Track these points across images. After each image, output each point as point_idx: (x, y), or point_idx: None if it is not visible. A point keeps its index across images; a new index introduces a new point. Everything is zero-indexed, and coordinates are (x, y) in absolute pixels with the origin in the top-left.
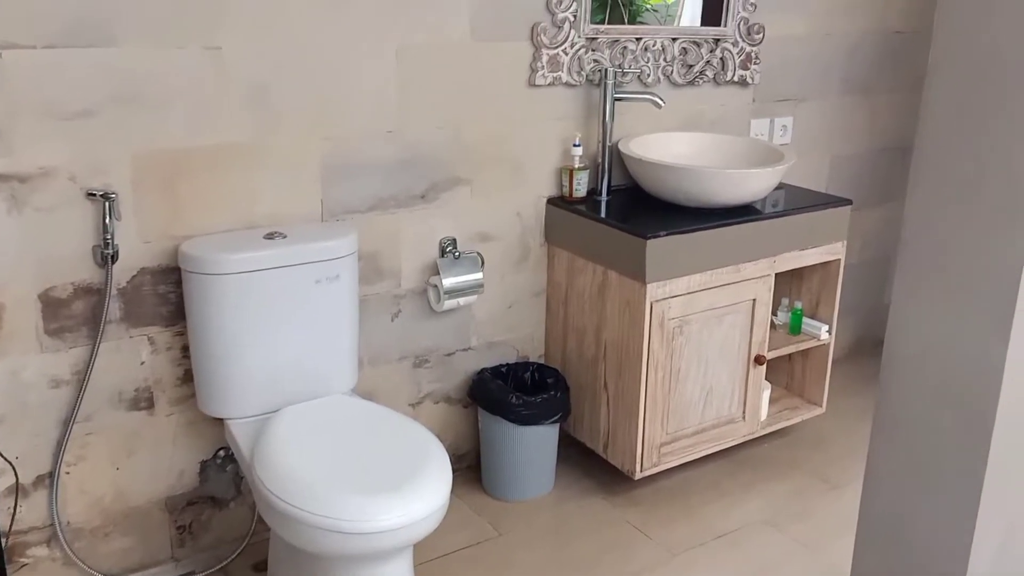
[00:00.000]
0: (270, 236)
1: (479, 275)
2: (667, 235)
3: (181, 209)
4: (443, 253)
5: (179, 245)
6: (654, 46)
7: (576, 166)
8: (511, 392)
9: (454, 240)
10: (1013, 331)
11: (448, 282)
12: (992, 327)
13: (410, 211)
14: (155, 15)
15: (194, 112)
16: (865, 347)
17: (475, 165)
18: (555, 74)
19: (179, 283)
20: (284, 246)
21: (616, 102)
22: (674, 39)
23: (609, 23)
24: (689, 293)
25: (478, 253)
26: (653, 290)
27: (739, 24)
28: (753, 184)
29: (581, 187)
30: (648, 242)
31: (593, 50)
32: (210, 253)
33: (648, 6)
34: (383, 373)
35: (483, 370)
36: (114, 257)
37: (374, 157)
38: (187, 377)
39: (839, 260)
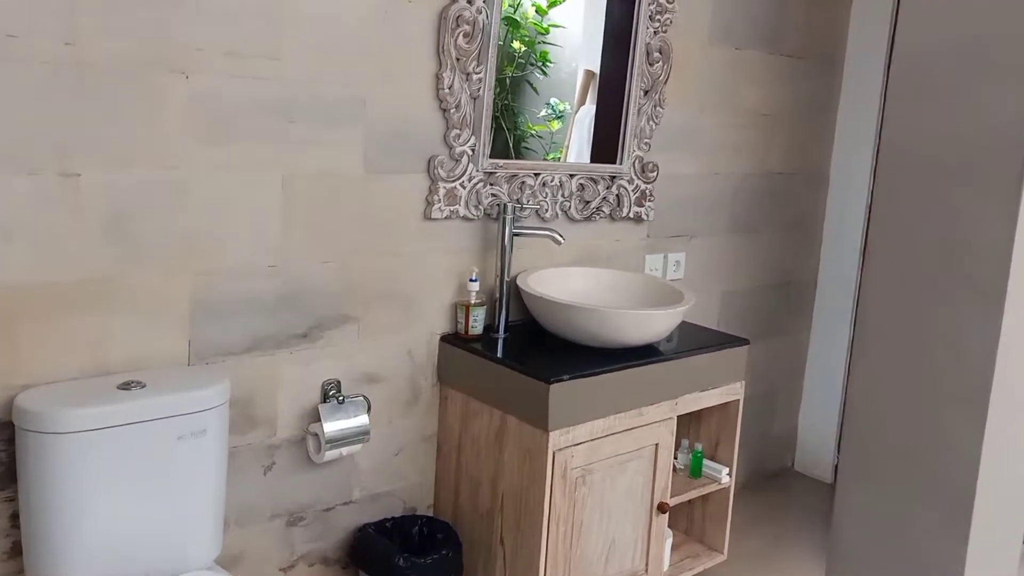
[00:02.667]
0: (125, 386)
1: (365, 421)
2: (571, 379)
3: (19, 354)
4: (325, 397)
5: (14, 397)
6: (552, 181)
7: (472, 302)
8: (397, 552)
9: (338, 383)
10: (973, 523)
11: (330, 430)
12: (948, 519)
13: (290, 352)
14: (4, 137)
15: (43, 244)
16: (756, 481)
17: (364, 301)
18: (452, 207)
19: (11, 441)
20: (141, 398)
21: (515, 237)
22: (572, 175)
23: (492, 147)
24: (592, 440)
25: (364, 397)
26: (556, 438)
27: (634, 162)
28: (657, 325)
29: (477, 324)
30: (551, 387)
31: (491, 184)
32: (50, 407)
33: (532, 132)
34: (252, 535)
35: (365, 526)
36: None
37: (252, 293)
38: (15, 551)
39: (738, 400)
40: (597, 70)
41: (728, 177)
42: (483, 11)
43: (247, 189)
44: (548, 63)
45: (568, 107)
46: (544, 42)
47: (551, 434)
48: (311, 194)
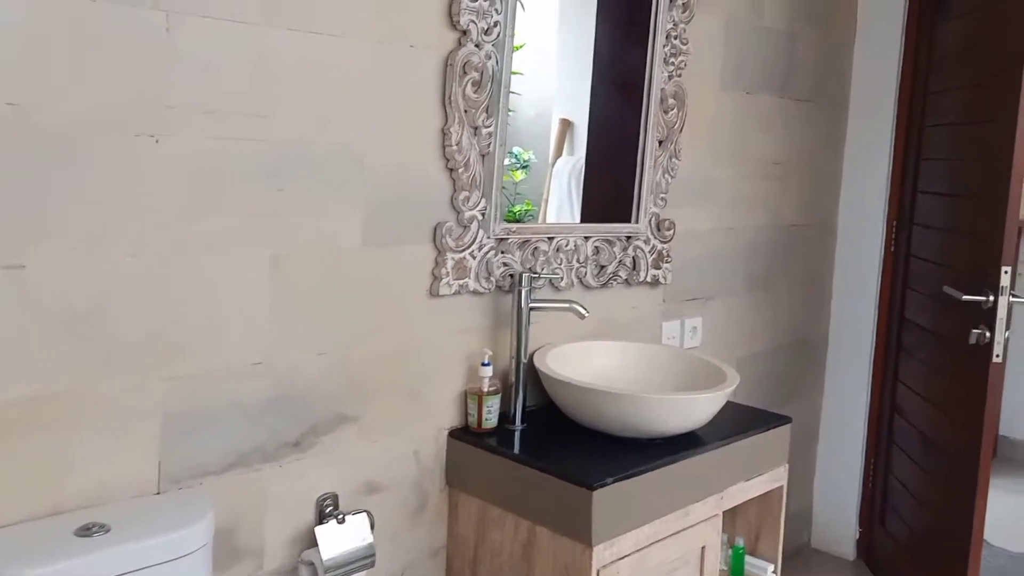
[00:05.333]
0: (85, 531)
1: (369, 541)
2: (615, 481)
3: None
4: (322, 517)
5: None
6: (567, 246)
7: (486, 389)
8: None
9: (335, 497)
10: None
11: (330, 557)
12: None
13: (280, 465)
14: None
15: None
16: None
17: (364, 397)
18: (461, 281)
19: None
20: (105, 546)
21: (531, 312)
22: (587, 237)
23: None
24: (638, 551)
25: (367, 512)
26: (600, 552)
27: (650, 220)
28: (702, 411)
29: (492, 415)
30: (595, 493)
31: (503, 252)
32: None
33: None
34: None
35: None
36: None
37: (236, 398)
38: None
39: (781, 487)
40: (576, 118)
41: (743, 232)
42: (493, 56)
43: (230, 272)
44: (508, 112)
45: (533, 156)
46: None
47: (595, 548)
48: (303, 274)
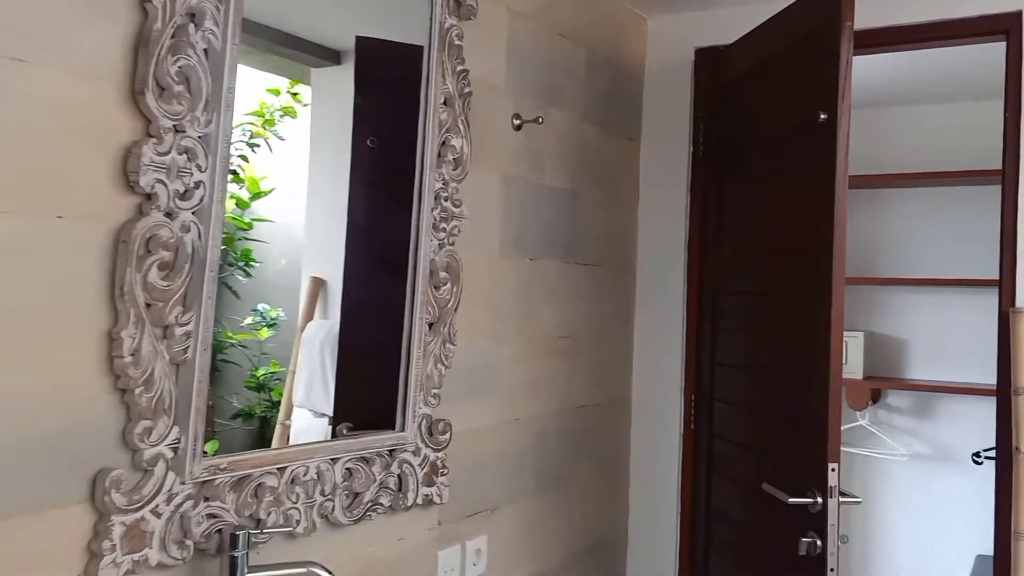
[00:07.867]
0: None
1: None
2: None
3: None
4: None
5: None
6: (306, 476)
7: None
8: None
9: None
10: None
11: None
12: None
13: None
14: None
15: None
16: None
17: None
18: (138, 554)
19: None
20: None
21: None
22: (334, 459)
23: None
24: None
25: None
26: None
27: (420, 424)
28: None
29: None
30: None
31: (208, 499)
32: None
33: (233, 342)
34: None
35: None
36: None
37: None
38: None
39: None
40: (330, 278)
41: (530, 421)
42: (193, 227)
43: None
44: (252, 263)
45: (282, 313)
46: (246, 238)
47: None
48: None
